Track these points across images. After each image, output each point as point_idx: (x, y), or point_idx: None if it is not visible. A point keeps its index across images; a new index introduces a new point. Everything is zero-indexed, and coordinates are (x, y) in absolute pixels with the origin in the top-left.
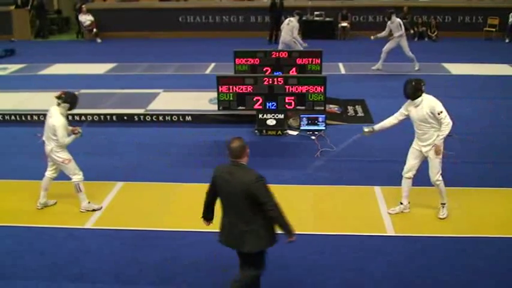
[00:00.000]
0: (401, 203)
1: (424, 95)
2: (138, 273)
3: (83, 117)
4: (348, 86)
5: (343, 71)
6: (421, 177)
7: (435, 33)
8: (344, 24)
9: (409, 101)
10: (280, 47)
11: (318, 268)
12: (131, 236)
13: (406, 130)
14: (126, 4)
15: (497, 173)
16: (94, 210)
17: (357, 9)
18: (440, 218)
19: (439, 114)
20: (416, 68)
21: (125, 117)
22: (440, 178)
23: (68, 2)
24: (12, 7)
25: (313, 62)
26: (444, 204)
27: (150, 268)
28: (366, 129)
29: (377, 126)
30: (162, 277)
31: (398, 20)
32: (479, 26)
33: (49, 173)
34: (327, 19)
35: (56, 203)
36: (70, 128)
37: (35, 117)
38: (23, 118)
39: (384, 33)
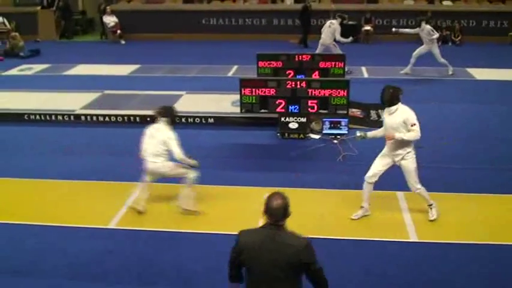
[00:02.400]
0: (362, 207)
1: (399, 104)
2: (159, 273)
3: (106, 118)
4: (371, 90)
5: (366, 75)
6: (437, 183)
7: (459, 38)
8: (367, 27)
9: (386, 108)
10: (318, 49)
11: (338, 272)
12: (153, 237)
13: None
14: (150, 6)
15: None
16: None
17: (381, 12)
18: (431, 220)
19: (411, 126)
20: (450, 73)
21: (148, 119)
22: (420, 186)
23: (93, 3)
24: (38, 8)
25: (337, 66)
26: (431, 205)
27: (172, 269)
28: (358, 134)
29: (370, 134)
30: (183, 278)
31: (429, 27)
32: (504, 31)
33: (146, 182)
34: (350, 22)
35: (143, 212)
36: None
37: (60, 117)
38: (47, 118)
39: (409, 30)
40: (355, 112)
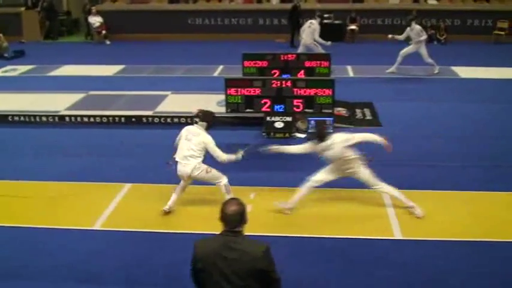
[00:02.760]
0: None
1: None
2: (147, 274)
3: (91, 119)
4: (356, 89)
5: (351, 74)
6: (425, 182)
7: (444, 37)
8: (353, 27)
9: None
10: (300, 49)
11: (324, 270)
12: (140, 238)
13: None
14: (135, 6)
15: (507, 177)
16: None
17: (366, 12)
18: (418, 217)
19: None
20: (436, 72)
21: (133, 119)
22: (379, 185)
23: (78, 3)
24: (22, 8)
25: (322, 65)
26: (411, 206)
27: (160, 269)
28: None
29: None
30: (171, 279)
31: (419, 27)
32: (488, 29)
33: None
34: (336, 22)
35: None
36: None
37: (44, 118)
38: (32, 119)
39: (402, 37)
40: (341, 111)
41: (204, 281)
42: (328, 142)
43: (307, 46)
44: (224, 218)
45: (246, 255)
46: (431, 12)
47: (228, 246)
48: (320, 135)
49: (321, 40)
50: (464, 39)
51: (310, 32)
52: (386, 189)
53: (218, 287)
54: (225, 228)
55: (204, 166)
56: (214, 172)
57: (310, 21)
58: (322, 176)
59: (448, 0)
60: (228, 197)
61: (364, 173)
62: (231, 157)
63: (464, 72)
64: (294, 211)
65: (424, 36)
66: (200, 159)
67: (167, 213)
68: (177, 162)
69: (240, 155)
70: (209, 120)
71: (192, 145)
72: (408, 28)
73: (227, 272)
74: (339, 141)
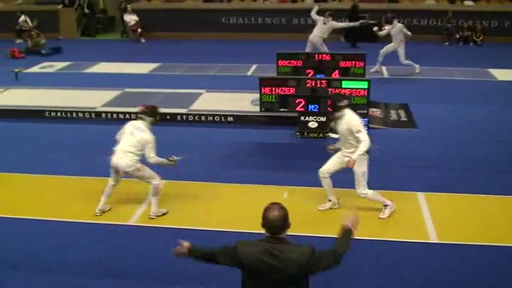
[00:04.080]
0: (330, 200)
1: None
2: (182, 271)
3: (127, 115)
4: (392, 90)
5: (386, 75)
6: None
7: (480, 38)
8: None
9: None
10: (309, 46)
11: (358, 274)
12: (173, 234)
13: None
14: (170, 5)
15: None
16: (163, 214)
17: (401, 12)
18: (381, 218)
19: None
20: (417, 71)
21: (168, 117)
22: (365, 191)
23: (114, 1)
24: (60, 6)
25: (357, 65)
26: (386, 205)
27: (195, 267)
28: (330, 147)
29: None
30: (206, 275)
31: (400, 25)
32: None
33: (113, 181)
34: (371, 22)
35: (111, 208)
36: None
37: (80, 115)
38: (68, 115)
39: (383, 33)
40: (375, 112)
41: (248, 277)
42: (338, 114)
43: (314, 43)
44: (266, 223)
45: (290, 261)
46: (467, 14)
47: (270, 253)
48: (332, 105)
49: (346, 24)
50: (501, 42)
51: (326, 28)
52: (374, 197)
53: (263, 285)
54: (267, 234)
55: (139, 164)
56: (147, 170)
57: (324, 18)
58: (327, 166)
59: (485, 1)
60: (152, 199)
61: (360, 169)
62: (163, 161)
63: (502, 74)
64: (330, 212)
65: (402, 37)
66: (137, 158)
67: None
68: (113, 153)
69: (173, 161)
70: (155, 115)
71: (135, 141)
72: (390, 26)
73: (271, 278)
74: (346, 121)
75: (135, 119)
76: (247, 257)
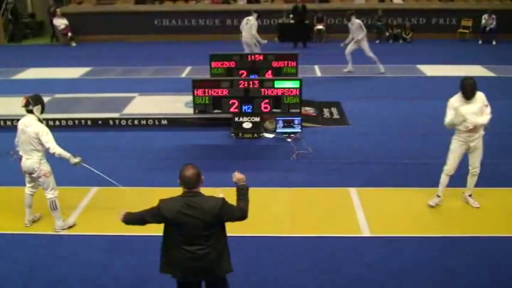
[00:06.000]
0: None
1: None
2: (114, 278)
3: (57, 122)
4: (324, 89)
5: (319, 74)
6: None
7: (409, 35)
8: (319, 26)
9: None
10: (244, 47)
11: (294, 270)
12: (106, 242)
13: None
14: (101, 7)
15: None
16: (70, 227)
17: (332, 12)
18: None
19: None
20: (382, 71)
21: (100, 122)
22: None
23: (42, 5)
24: None
25: (289, 65)
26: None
27: (126, 273)
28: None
29: None
30: (138, 282)
31: (358, 21)
32: (453, 28)
33: (29, 189)
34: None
35: (41, 216)
36: None
37: (8, 123)
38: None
39: (348, 39)
40: (308, 110)
41: (169, 231)
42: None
43: (248, 43)
44: (183, 180)
45: (205, 210)
46: (396, 12)
47: (188, 205)
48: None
49: (257, 36)
50: (429, 38)
51: (248, 28)
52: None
53: (184, 236)
54: (185, 190)
55: (46, 167)
56: (51, 179)
57: (247, 18)
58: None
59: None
60: (53, 213)
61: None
62: (66, 154)
63: (430, 70)
64: (266, 211)
65: (364, 33)
66: (41, 154)
67: (29, 226)
68: (21, 157)
69: (76, 160)
70: (40, 102)
71: (29, 138)
72: (349, 23)
73: (190, 227)
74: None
75: (65, 126)
76: (169, 212)
